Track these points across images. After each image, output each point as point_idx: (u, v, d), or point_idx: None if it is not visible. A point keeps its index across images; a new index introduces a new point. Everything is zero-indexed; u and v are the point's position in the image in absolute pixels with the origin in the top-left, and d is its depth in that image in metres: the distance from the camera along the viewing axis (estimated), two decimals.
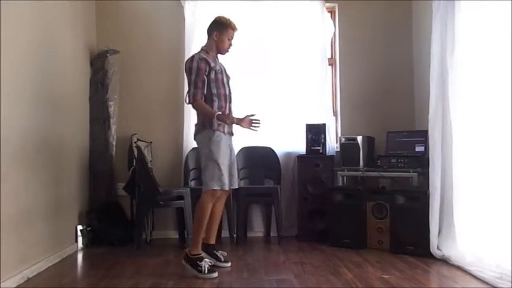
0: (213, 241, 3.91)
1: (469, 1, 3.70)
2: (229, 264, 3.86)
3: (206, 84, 3.64)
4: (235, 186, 3.86)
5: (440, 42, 3.96)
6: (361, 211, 4.45)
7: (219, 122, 3.61)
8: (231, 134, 3.84)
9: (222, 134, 3.65)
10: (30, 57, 3.71)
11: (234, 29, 3.80)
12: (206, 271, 3.51)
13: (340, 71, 5.35)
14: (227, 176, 3.64)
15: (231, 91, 3.84)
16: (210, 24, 3.84)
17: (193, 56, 3.72)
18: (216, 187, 3.57)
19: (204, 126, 3.66)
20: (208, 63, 3.64)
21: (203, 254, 3.67)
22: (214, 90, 3.67)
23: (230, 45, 3.84)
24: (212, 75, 3.66)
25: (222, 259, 3.86)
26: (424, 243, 3.97)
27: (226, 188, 3.64)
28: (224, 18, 3.82)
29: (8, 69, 3.31)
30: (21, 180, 3.51)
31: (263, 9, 5.23)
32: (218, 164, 3.58)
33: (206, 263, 3.57)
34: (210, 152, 3.59)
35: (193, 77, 3.61)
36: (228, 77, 3.84)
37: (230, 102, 3.81)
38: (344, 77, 5.33)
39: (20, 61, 3.54)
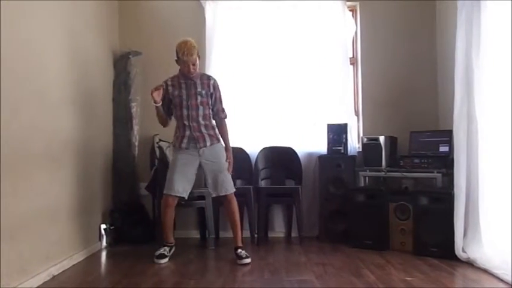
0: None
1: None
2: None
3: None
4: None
5: (465, 40, 3.89)
6: (383, 212, 4.40)
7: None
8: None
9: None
10: (56, 59, 3.78)
11: (187, 58, 3.95)
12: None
13: (362, 70, 5.30)
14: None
15: (194, 107, 4.09)
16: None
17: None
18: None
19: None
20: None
21: None
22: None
23: (193, 67, 4.02)
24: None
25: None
26: (448, 245, 3.91)
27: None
28: (178, 47, 4.01)
29: (35, 70, 3.38)
30: (46, 179, 3.57)
31: (284, 9, 5.21)
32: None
33: None
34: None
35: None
36: (190, 94, 4.09)
37: (191, 121, 4.12)
38: (366, 76, 5.29)
39: (47, 63, 3.60)
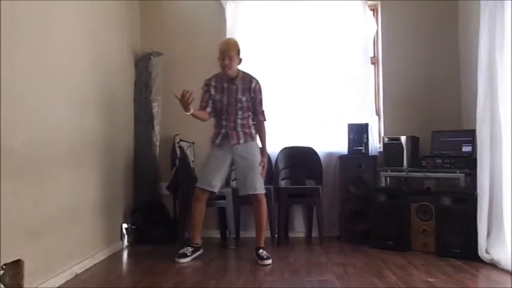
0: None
1: None
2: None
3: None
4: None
5: (488, 39, 3.85)
6: (405, 212, 4.36)
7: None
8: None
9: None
10: (78, 60, 3.83)
11: (222, 52, 4.05)
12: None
13: (383, 70, 5.26)
14: None
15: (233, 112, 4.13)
16: None
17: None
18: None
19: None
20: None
21: None
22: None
23: (228, 63, 4.04)
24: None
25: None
26: (471, 246, 3.86)
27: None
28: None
29: (58, 71, 3.43)
30: (70, 179, 3.62)
31: (304, 9, 5.20)
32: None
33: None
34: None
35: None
36: (230, 101, 4.12)
37: (228, 122, 4.15)
38: (387, 76, 5.25)
39: (70, 64, 3.65)
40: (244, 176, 4.10)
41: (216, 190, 4.11)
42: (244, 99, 4.10)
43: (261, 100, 4.20)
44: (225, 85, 4.11)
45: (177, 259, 4.01)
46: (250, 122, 4.19)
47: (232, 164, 4.16)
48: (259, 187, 4.09)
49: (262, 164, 4.15)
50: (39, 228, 3.13)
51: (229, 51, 4.01)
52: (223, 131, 4.11)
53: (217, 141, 4.11)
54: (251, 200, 4.15)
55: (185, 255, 4.06)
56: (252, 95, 4.13)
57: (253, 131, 4.18)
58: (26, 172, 2.98)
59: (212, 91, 4.12)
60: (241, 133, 4.11)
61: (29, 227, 3.00)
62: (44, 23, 3.26)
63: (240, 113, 4.10)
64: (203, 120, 4.16)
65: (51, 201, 3.30)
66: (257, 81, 4.17)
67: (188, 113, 3.90)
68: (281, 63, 5.19)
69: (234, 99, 4.09)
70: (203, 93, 4.16)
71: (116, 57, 4.69)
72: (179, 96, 3.79)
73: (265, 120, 4.25)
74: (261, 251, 4.04)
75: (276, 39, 5.21)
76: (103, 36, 4.35)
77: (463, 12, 5.03)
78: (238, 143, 4.09)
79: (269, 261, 3.95)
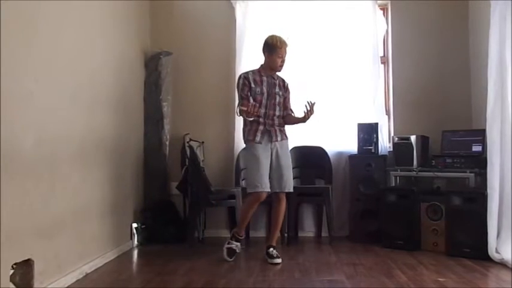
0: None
1: None
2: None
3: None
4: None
5: (498, 39, 3.83)
6: (415, 212, 4.36)
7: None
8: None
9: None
10: (89, 60, 3.84)
11: (281, 47, 4.07)
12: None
13: (393, 69, 5.26)
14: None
15: (272, 107, 4.09)
16: (263, 44, 4.16)
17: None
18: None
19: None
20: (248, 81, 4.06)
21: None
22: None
23: (282, 61, 4.11)
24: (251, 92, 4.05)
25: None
26: (481, 246, 3.85)
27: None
28: (271, 39, 4.10)
29: (68, 71, 3.45)
30: (80, 179, 3.64)
31: (314, 8, 5.21)
32: None
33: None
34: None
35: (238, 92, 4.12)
36: (270, 94, 4.09)
37: (267, 119, 4.08)
38: (397, 75, 5.23)
39: (79, 63, 3.66)
40: (280, 175, 4.06)
41: (266, 190, 4.01)
42: (281, 93, 4.13)
43: (289, 98, 4.25)
44: (264, 78, 4.11)
45: (226, 256, 4.04)
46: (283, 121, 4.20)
47: (270, 160, 4.11)
48: (291, 186, 4.13)
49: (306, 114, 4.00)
50: (50, 228, 3.16)
51: (285, 50, 4.07)
52: (261, 127, 4.04)
53: (258, 138, 4.02)
54: (274, 198, 4.13)
55: (234, 253, 4.08)
56: (285, 93, 4.19)
57: (285, 129, 4.21)
58: (36, 172, 3.00)
59: (252, 84, 4.06)
60: (278, 130, 4.11)
61: (39, 227, 3.02)
62: (54, 22, 3.28)
63: (277, 108, 4.10)
64: (256, 116, 3.98)
65: (62, 200, 3.32)
66: (287, 81, 4.26)
67: (250, 119, 3.96)
68: (291, 63, 5.16)
69: (273, 91, 4.09)
70: (242, 87, 4.06)
71: (126, 57, 4.71)
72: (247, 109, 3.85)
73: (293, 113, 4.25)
74: (271, 249, 4.04)
75: (285, 39, 5.20)
76: (113, 36, 4.38)
77: (473, 11, 5.01)
78: (277, 140, 4.08)
79: (278, 260, 3.96)
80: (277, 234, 4.20)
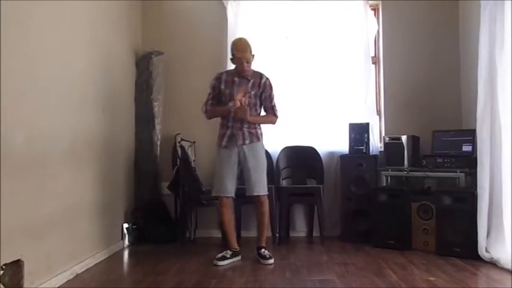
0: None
1: None
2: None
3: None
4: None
5: (488, 39, 3.85)
6: (405, 212, 4.37)
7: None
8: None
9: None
10: (79, 59, 3.83)
11: (239, 56, 3.98)
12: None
13: (384, 70, 5.27)
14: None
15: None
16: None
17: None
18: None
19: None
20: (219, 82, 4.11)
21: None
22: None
23: (246, 65, 4.02)
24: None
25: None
26: (471, 245, 3.87)
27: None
28: (232, 44, 4.07)
29: (58, 70, 3.43)
30: (71, 179, 3.63)
31: (306, 8, 5.21)
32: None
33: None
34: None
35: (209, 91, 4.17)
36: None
37: (234, 122, 4.06)
38: (388, 76, 5.25)
39: (70, 63, 3.65)
40: (247, 177, 4.06)
41: (232, 194, 4.05)
42: (253, 93, 4.05)
43: (270, 95, 4.14)
44: (236, 79, 4.07)
45: (215, 261, 3.94)
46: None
47: (239, 163, 4.11)
48: (262, 189, 4.06)
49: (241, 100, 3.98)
50: (40, 228, 3.14)
51: (247, 56, 3.98)
52: (228, 131, 4.05)
53: (224, 143, 4.06)
54: (254, 200, 4.13)
55: (224, 258, 3.99)
56: (262, 89, 4.09)
57: (259, 131, 4.13)
58: (26, 171, 2.98)
59: (222, 85, 4.08)
60: (247, 133, 4.05)
61: (29, 227, 3.00)
62: (45, 22, 3.26)
63: (247, 109, 4.02)
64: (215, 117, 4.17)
65: (52, 200, 3.31)
66: (267, 78, 4.14)
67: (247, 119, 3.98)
68: (282, 63, 5.20)
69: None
70: (210, 88, 4.14)
71: (117, 57, 4.70)
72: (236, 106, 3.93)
73: (276, 116, 4.18)
74: (262, 250, 4.05)
75: (277, 39, 5.22)
76: (104, 35, 4.36)
77: (464, 12, 5.05)
78: (244, 143, 4.03)
79: (271, 261, 3.96)
80: (265, 234, 4.18)
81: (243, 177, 4.09)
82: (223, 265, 3.92)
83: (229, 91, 4.05)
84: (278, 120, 4.24)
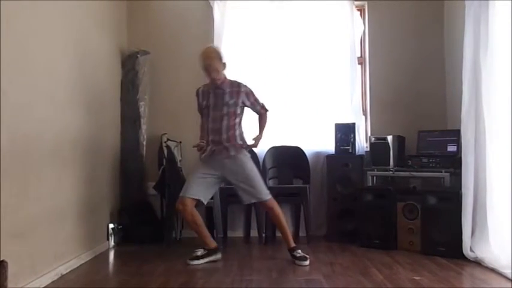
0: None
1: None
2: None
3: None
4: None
5: (473, 39, 3.88)
6: (391, 211, 4.39)
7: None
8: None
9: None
10: (63, 59, 3.79)
11: (202, 60, 3.98)
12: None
13: (370, 70, 5.29)
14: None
15: (218, 119, 4.02)
16: None
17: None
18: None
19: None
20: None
21: None
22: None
23: (208, 74, 4.00)
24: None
25: None
26: (456, 245, 3.90)
27: None
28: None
29: (43, 70, 3.40)
30: (55, 179, 3.59)
31: (292, 9, 5.22)
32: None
33: None
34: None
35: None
36: (217, 105, 4.04)
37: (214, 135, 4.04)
38: (374, 76, 5.28)
39: (54, 62, 3.62)
40: (242, 190, 3.99)
41: (196, 197, 3.95)
42: (232, 102, 3.98)
43: (255, 100, 4.11)
44: (211, 90, 4.04)
45: (188, 261, 3.94)
46: (237, 132, 4.04)
47: (222, 180, 4.08)
48: (262, 195, 3.99)
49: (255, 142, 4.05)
50: (24, 229, 3.11)
51: (213, 64, 3.91)
52: (209, 147, 3.99)
53: (202, 156, 4.03)
54: (260, 206, 4.12)
55: (197, 258, 3.98)
56: (243, 99, 4.03)
57: (238, 141, 4.02)
58: (9, 171, 2.94)
59: (200, 98, 4.10)
60: (228, 146, 3.97)
61: (13, 227, 2.96)
62: (28, 21, 3.23)
63: (225, 119, 3.96)
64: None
65: (36, 201, 3.27)
66: (245, 86, 4.08)
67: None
68: (268, 63, 5.20)
69: (220, 102, 3.98)
70: (197, 104, 4.17)
71: (103, 56, 4.66)
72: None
73: (267, 111, 4.19)
74: (295, 252, 4.00)
75: (263, 39, 5.22)
76: (89, 34, 4.33)
77: (449, 12, 5.08)
78: (227, 157, 3.96)
79: (307, 262, 3.89)
80: (289, 235, 4.10)
81: (237, 192, 4.04)
82: (196, 264, 3.91)
83: (206, 102, 4.05)
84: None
